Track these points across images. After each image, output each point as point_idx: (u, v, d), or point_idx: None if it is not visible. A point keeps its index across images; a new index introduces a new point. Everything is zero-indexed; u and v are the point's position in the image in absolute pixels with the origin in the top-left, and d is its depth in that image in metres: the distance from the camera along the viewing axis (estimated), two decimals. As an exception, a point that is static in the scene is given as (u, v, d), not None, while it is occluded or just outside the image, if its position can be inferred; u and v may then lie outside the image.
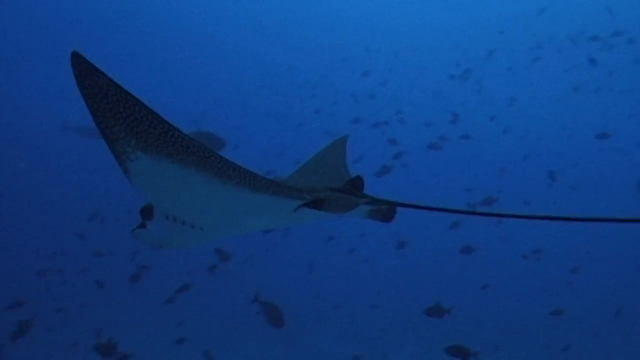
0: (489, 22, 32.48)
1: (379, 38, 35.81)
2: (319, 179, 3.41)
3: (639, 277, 17.32)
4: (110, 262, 14.29)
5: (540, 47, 30.17)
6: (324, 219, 2.94)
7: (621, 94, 31.22)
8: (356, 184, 2.96)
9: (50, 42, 29.66)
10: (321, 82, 34.85)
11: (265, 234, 14.90)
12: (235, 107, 35.09)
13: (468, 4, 34.55)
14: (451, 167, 28.96)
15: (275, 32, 36.73)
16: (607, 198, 25.74)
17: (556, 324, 12.72)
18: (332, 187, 2.90)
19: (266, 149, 29.91)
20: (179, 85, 34.07)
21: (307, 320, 13.46)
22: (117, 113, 1.82)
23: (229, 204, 2.35)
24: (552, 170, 17.59)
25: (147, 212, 2.64)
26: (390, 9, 35.92)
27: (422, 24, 35.54)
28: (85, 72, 1.74)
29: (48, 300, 13.35)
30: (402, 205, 2.81)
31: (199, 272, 11.33)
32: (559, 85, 31.62)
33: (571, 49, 27.78)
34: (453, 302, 7.43)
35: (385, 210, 3.00)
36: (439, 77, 29.54)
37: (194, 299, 11.01)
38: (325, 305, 14.83)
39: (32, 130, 28.39)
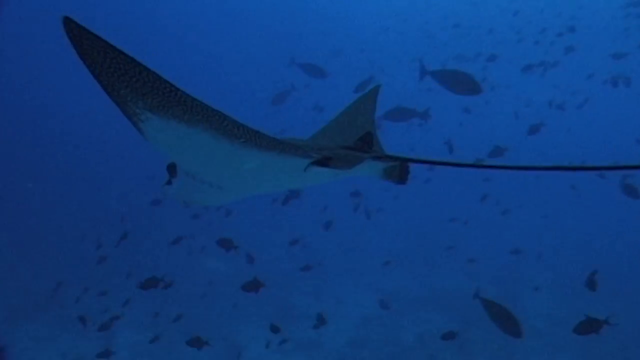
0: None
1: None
2: (346, 134, 3.38)
3: None
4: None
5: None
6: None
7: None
8: (365, 140, 2.94)
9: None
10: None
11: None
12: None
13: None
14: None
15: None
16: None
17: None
18: (343, 145, 2.91)
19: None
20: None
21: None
22: (119, 76, 1.85)
23: (238, 162, 2.40)
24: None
25: (171, 169, 2.70)
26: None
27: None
28: (80, 37, 1.74)
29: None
30: (409, 160, 2.80)
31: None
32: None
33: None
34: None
35: (399, 170, 3.00)
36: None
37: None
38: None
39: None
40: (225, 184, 2.68)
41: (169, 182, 2.73)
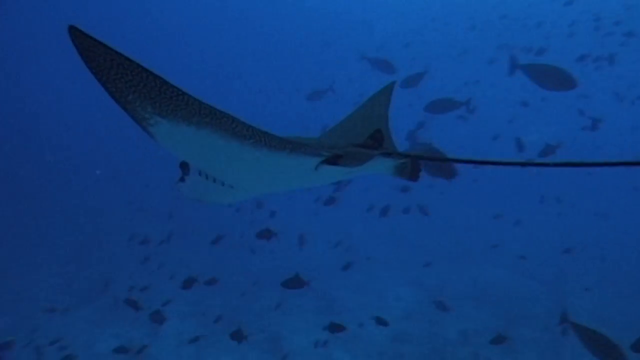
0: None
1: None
2: (359, 131, 3.32)
3: None
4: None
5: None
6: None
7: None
8: (375, 137, 2.89)
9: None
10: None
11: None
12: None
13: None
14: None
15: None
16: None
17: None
18: (354, 143, 2.87)
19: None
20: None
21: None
22: (126, 82, 1.85)
23: (249, 162, 2.40)
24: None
25: (184, 167, 2.72)
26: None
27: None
28: (87, 45, 1.73)
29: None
30: (419, 157, 2.77)
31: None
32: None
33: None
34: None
35: (410, 167, 2.94)
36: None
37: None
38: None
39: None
40: (236, 183, 2.70)
41: (182, 180, 2.76)
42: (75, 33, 1.71)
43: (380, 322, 9.13)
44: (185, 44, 39.71)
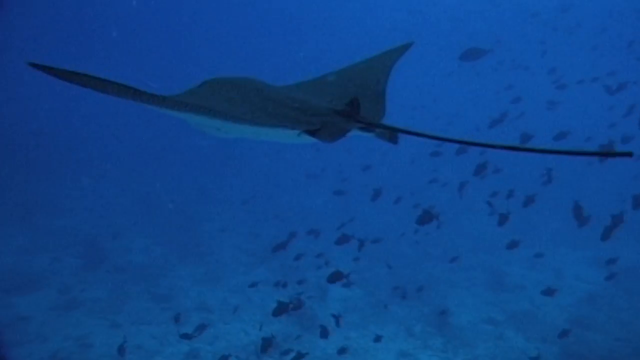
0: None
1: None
2: (357, 85, 3.51)
3: None
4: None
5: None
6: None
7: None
8: (353, 105, 2.91)
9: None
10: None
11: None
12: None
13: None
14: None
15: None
16: None
17: None
18: (335, 109, 2.94)
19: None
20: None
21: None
22: (95, 85, 2.13)
23: (237, 131, 2.95)
24: None
25: None
26: None
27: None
28: (52, 72, 2.02)
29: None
30: (395, 130, 2.74)
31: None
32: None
33: None
34: None
35: (389, 133, 3.02)
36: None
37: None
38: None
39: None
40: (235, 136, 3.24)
41: None
42: (38, 68, 2.00)
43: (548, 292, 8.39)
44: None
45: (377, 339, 8.60)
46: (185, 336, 7.78)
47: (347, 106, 2.92)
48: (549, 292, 9.01)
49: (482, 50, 11.05)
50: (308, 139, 2.99)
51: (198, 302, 10.80)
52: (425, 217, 8.45)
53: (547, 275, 12.78)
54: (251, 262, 13.10)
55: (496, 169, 11.66)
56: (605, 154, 1.91)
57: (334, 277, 7.89)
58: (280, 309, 7.20)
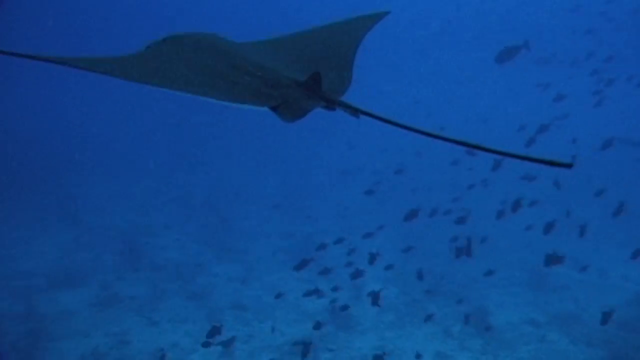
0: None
1: None
2: (325, 50, 3.29)
3: None
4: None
5: None
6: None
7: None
8: (314, 80, 2.69)
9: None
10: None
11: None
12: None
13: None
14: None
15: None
16: None
17: None
18: (297, 80, 2.77)
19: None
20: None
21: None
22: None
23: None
24: None
25: None
26: None
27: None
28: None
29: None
30: (359, 111, 2.50)
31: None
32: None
33: None
34: None
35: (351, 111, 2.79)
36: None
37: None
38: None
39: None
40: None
41: None
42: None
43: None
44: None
45: (418, 357, 8.45)
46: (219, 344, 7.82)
47: (309, 79, 2.73)
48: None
49: (518, 47, 10.65)
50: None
51: (233, 300, 10.84)
52: (463, 250, 8.41)
53: (591, 275, 12.28)
54: (286, 260, 13.07)
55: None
56: (543, 161, 1.67)
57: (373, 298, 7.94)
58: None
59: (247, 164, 23.76)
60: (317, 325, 8.30)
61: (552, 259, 8.03)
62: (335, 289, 9.61)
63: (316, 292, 8.81)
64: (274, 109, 2.67)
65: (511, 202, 9.59)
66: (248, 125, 26.33)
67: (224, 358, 8.63)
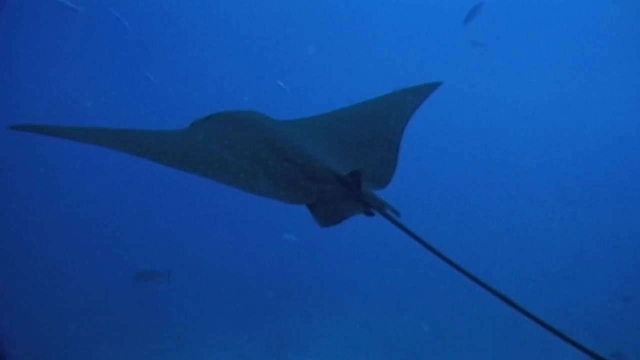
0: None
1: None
2: (365, 135, 2.92)
3: None
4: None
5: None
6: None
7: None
8: (355, 179, 2.45)
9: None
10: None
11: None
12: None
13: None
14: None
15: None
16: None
17: None
18: (337, 174, 2.52)
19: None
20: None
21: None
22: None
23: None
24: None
25: None
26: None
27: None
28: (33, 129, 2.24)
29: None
30: (401, 227, 2.26)
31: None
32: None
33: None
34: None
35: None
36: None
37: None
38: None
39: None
40: None
41: None
42: (22, 127, 2.21)
43: None
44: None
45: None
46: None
47: (349, 176, 2.49)
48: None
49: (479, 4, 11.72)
50: None
51: None
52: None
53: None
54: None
55: None
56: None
57: None
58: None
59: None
60: None
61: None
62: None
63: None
64: (310, 206, 2.48)
65: None
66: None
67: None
